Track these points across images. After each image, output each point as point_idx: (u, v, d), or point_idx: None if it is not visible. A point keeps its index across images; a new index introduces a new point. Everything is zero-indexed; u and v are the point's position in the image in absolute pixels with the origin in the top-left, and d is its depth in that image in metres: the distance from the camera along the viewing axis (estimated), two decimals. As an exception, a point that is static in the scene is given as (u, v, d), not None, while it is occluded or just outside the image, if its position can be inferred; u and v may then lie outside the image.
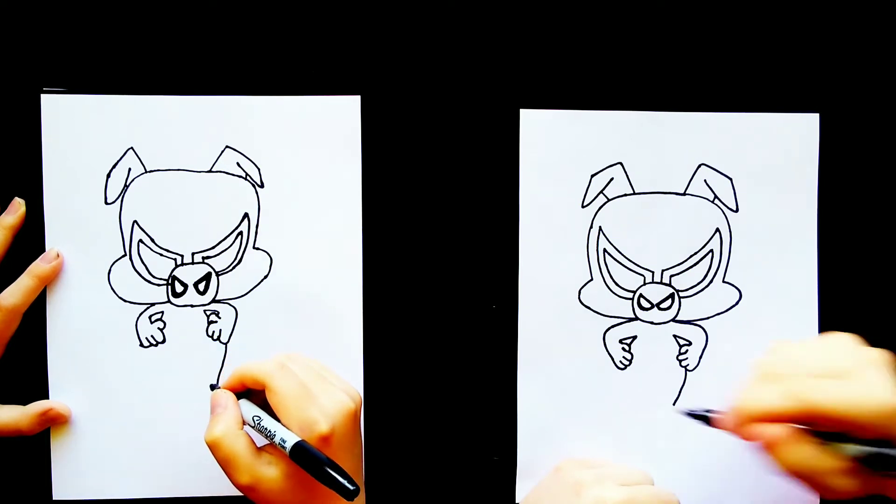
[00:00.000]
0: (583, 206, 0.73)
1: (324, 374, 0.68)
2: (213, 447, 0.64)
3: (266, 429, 0.64)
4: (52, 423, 0.72)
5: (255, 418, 0.65)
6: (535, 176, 0.73)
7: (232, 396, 0.67)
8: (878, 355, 0.60)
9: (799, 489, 0.71)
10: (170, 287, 0.73)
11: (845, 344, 0.62)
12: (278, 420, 0.65)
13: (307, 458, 0.62)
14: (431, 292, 0.73)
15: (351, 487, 0.61)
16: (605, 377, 0.73)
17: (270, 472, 0.64)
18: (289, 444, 0.63)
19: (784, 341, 0.65)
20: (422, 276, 0.73)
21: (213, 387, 0.69)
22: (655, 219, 0.73)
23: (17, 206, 0.72)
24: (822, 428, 0.59)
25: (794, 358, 0.62)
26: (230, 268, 0.73)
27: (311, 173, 0.73)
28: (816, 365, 0.60)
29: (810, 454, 0.58)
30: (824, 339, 0.64)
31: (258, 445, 0.65)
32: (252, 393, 0.67)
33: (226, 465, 0.64)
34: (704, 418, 0.65)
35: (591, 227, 0.73)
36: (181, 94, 0.72)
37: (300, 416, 0.64)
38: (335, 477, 0.61)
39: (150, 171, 0.73)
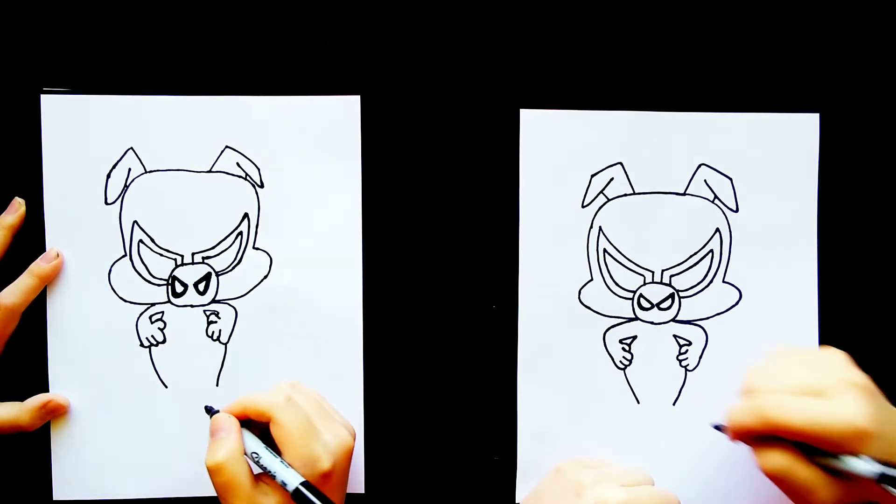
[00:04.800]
0: (583, 206, 0.73)
1: (324, 407, 0.69)
2: (215, 472, 0.64)
3: (266, 467, 0.65)
4: (51, 416, 0.72)
5: (254, 454, 0.65)
6: (535, 176, 0.73)
7: (236, 423, 0.66)
8: (859, 378, 0.63)
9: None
10: (170, 287, 0.73)
11: (833, 362, 0.65)
12: (276, 452, 0.65)
13: (308, 502, 0.63)
14: (431, 292, 0.73)
15: None
16: (605, 377, 0.73)
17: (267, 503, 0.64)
18: (290, 486, 0.63)
19: (781, 350, 0.67)
20: (422, 276, 0.73)
21: (208, 409, 0.68)
22: (655, 219, 0.73)
23: (17, 206, 0.72)
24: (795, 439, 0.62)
25: (777, 371, 0.65)
26: (230, 268, 0.73)
27: (311, 173, 0.73)
28: (796, 381, 0.63)
29: (790, 467, 0.62)
30: (816, 353, 0.66)
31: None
32: (251, 422, 0.67)
33: (225, 491, 0.64)
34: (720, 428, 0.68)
35: (591, 227, 0.73)
36: (181, 94, 0.72)
37: (304, 452, 0.64)
38: None
39: (150, 172, 0.73)
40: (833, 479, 0.62)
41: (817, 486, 0.61)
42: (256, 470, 0.65)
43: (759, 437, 0.63)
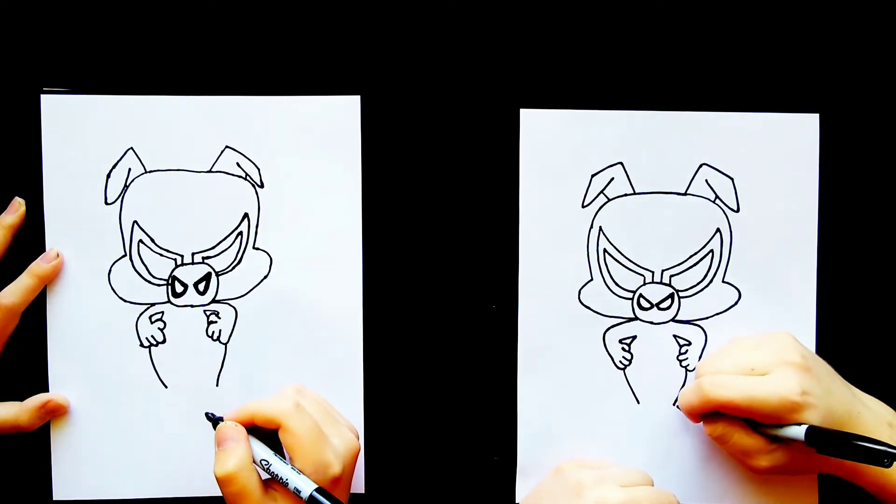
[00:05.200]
0: (583, 206, 0.73)
1: (329, 411, 0.69)
2: (226, 482, 0.63)
3: (276, 474, 0.64)
4: (51, 416, 0.72)
5: (264, 462, 0.65)
6: (535, 176, 0.73)
7: (243, 431, 0.65)
8: (797, 357, 0.67)
9: (798, 490, 0.72)
10: (170, 287, 0.73)
11: (777, 344, 0.69)
12: (283, 458, 0.65)
13: None
14: (431, 292, 0.73)
15: None
16: (605, 377, 0.73)
17: None
18: (304, 493, 0.63)
19: (736, 338, 0.72)
20: (422, 276, 0.73)
21: (209, 416, 0.67)
22: (655, 219, 0.73)
23: (17, 206, 0.72)
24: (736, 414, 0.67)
25: (724, 356, 0.70)
26: (230, 268, 0.73)
27: (311, 173, 0.73)
28: (738, 362, 0.69)
29: (730, 432, 0.68)
30: (764, 337, 0.70)
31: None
32: (257, 429, 0.66)
33: (235, 500, 0.63)
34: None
35: (592, 227, 0.73)
36: (181, 94, 0.72)
37: (316, 458, 0.64)
38: None
39: (150, 171, 0.73)
40: (778, 447, 0.67)
41: (757, 450, 0.67)
42: (265, 476, 0.65)
43: (712, 414, 0.68)
